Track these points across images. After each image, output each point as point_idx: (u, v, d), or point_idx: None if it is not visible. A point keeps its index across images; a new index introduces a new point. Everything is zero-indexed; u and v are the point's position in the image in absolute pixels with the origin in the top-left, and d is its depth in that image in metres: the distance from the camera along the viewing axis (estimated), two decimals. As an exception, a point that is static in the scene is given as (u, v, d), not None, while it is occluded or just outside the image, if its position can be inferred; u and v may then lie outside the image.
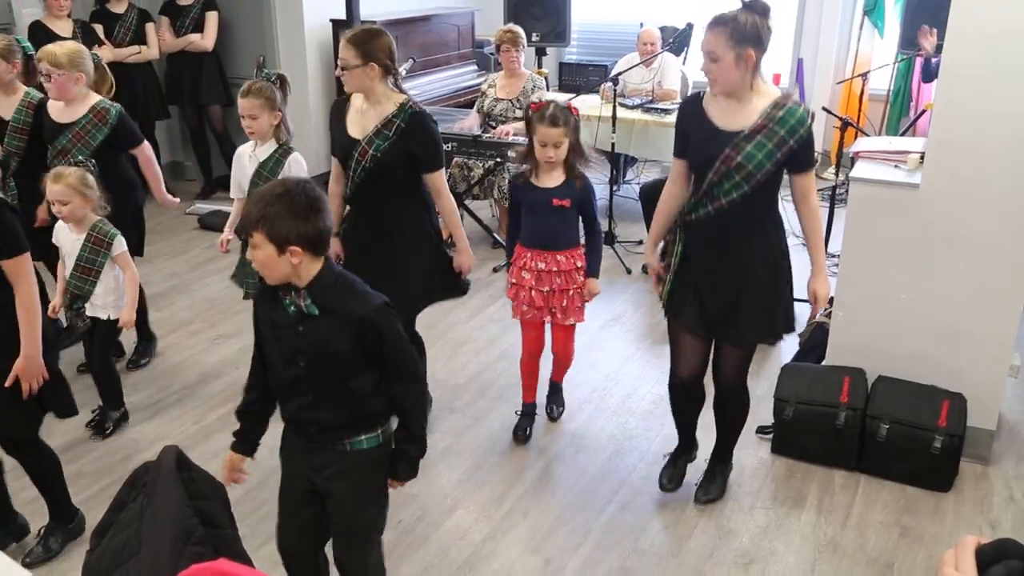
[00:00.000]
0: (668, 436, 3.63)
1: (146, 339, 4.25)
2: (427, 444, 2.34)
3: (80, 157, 3.59)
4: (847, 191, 3.54)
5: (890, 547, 2.99)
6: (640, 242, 5.56)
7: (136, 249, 3.82)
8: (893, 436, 3.28)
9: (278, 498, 2.38)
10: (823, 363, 3.66)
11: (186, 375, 4.08)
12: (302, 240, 2.03)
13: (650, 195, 5.26)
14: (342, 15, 6.11)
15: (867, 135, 4.83)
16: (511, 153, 4.61)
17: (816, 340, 3.88)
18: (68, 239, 3.44)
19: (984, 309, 3.29)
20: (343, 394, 2.16)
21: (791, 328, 3.11)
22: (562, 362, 3.72)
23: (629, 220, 5.99)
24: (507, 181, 5.24)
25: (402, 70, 5.96)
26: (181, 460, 1.97)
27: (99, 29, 5.83)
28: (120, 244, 3.47)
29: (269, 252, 2.04)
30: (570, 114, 3.27)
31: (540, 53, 7.15)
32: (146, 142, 3.92)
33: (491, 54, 7.30)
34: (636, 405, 3.88)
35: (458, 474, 3.37)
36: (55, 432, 3.59)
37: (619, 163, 6.38)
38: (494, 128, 5.34)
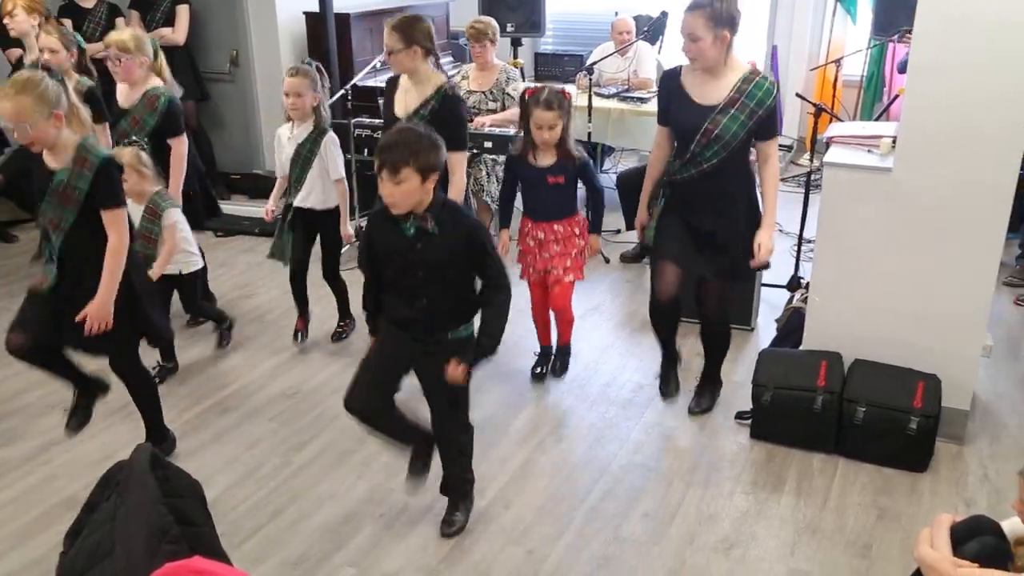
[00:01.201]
0: (648, 424, 3.64)
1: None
2: (498, 345, 2.76)
3: (135, 138, 3.88)
4: (822, 177, 3.56)
5: (868, 528, 3.02)
6: (619, 231, 5.57)
7: (212, 211, 4.41)
8: (870, 418, 3.30)
9: (367, 366, 2.86)
10: (800, 348, 3.68)
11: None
12: (438, 169, 2.57)
13: (628, 184, 5.27)
14: (315, 7, 6.08)
15: (841, 121, 4.85)
16: (510, 147, 4.72)
17: (793, 325, 3.90)
18: (133, 209, 3.67)
19: (957, 291, 3.32)
20: (450, 295, 2.70)
21: (763, 268, 3.54)
22: (562, 319, 3.97)
23: (607, 209, 5.91)
24: (483, 173, 5.24)
25: (376, 62, 5.96)
26: (155, 459, 1.96)
27: (68, 24, 5.74)
28: (169, 216, 3.84)
29: (415, 183, 2.53)
30: (563, 98, 3.56)
31: (515, 44, 7.12)
32: (184, 137, 4.09)
33: (466, 45, 7.27)
34: (616, 394, 3.89)
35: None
36: (29, 433, 3.57)
37: (596, 153, 6.37)
38: (469, 120, 5.31)
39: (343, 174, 4.09)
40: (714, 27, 3.09)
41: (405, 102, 3.75)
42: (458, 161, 3.67)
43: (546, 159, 3.67)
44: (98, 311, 2.95)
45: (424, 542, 2.96)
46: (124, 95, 4.07)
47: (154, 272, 3.75)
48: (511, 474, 3.32)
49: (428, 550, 2.92)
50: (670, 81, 3.35)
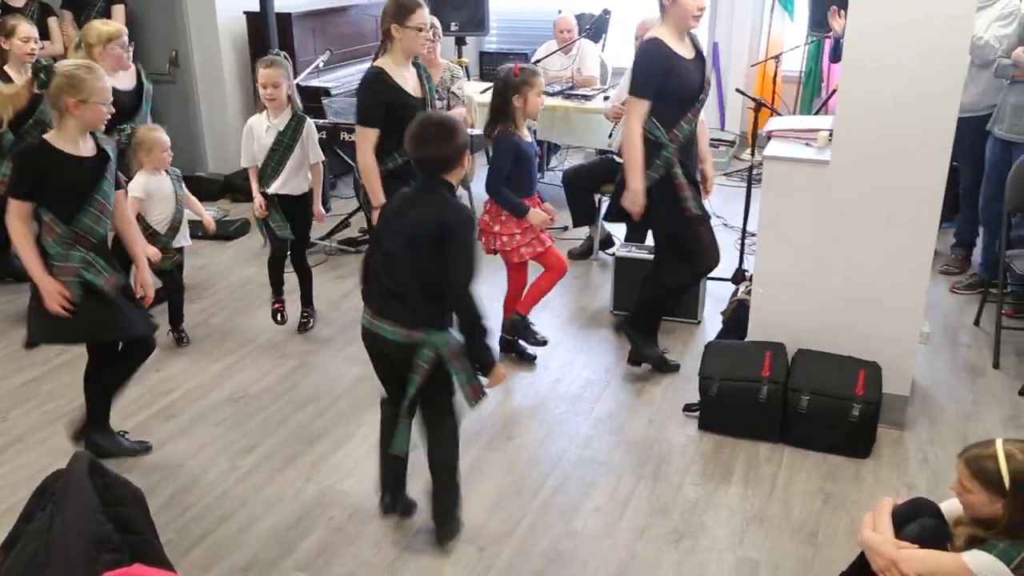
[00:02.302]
0: (597, 419, 3.67)
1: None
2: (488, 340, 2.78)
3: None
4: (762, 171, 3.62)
5: (814, 514, 3.08)
6: (566, 228, 5.59)
7: None
8: (814, 407, 3.36)
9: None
10: (745, 339, 3.73)
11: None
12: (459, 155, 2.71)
13: (574, 181, 5.30)
14: (256, 7, 6.00)
15: (781, 115, 4.93)
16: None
17: (738, 317, 3.95)
18: (154, 182, 4.09)
19: (894, 279, 3.40)
20: (425, 287, 2.64)
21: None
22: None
23: (554, 207, 5.99)
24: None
25: (319, 62, 5.91)
26: (94, 466, 1.92)
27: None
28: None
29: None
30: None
31: (460, 42, 7.12)
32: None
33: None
34: (565, 390, 3.91)
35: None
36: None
37: (543, 150, 6.39)
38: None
39: (322, 157, 4.29)
40: None
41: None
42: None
43: (526, 133, 3.96)
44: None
45: (375, 544, 2.94)
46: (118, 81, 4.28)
47: (207, 221, 4.37)
48: (462, 472, 3.30)
49: (380, 552, 2.90)
50: (657, 49, 3.52)
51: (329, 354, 4.19)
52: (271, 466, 3.36)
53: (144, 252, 3.45)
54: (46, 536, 1.79)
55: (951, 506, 2.34)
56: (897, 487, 3.20)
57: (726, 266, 4.88)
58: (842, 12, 5.75)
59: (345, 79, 6.27)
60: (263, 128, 4.17)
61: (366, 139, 3.76)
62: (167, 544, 2.69)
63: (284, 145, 4.14)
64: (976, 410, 3.70)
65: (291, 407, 3.76)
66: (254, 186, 4.24)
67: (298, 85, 5.38)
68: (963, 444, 3.35)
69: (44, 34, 5.77)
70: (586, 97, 5.77)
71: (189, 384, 3.95)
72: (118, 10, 5.98)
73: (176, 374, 4.04)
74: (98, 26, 4.34)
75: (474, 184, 5.32)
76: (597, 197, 5.22)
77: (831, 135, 3.44)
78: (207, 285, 4.91)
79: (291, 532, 2.99)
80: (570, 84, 6.03)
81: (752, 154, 5.04)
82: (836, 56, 6.10)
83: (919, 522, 2.31)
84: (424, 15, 3.79)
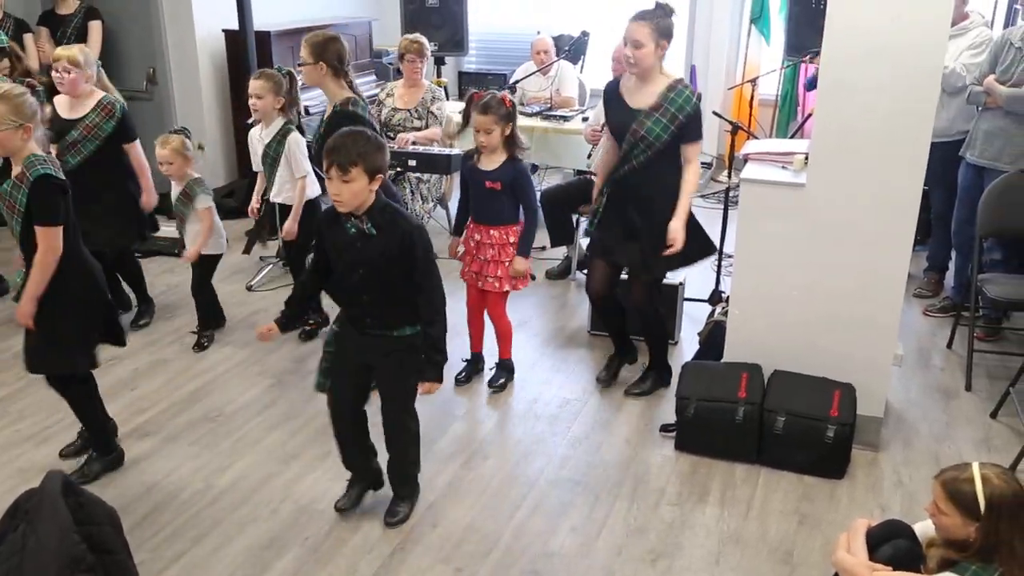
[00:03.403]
0: (575, 439, 3.67)
1: (145, 302, 4.75)
2: (447, 352, 2.92)
3: (91, 148, 4.12)
4: (739, 193, 3.66)
5: (790, 535, 3.09)
6: (544, 248, 5.60)
7: (153, 226, 4.59)
8: (789, 428, 3.39)
9: (333, 372, 3.01)
10: (722, 360, 3.75)
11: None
12: (383, 171, 2.69)
13: (553, 202, 5.32)
14: (235, 25, 5.99)
15: (757, 138, 4.99)
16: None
17: (715, 338, 3.97)
18: (173, 191, 4.28)
19: (869, 302, 3.44)
20: (390, 295, 2.79)
21: (687, 263, 3.85)
22: (500, 333, 4.07)
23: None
24: (407, 191, 5.23)
25: (300, 79, 5.90)
26: (68, 486, 1.89)
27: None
28: (202, 201, 4.23)
29: (363, 183, 2.64)
30: (502, 104, 3.65)
31: (439, 63, 7.15)
32: (138, 141, 4.33)
33: (390, 64, 7.26)
34: (543, 410, 3.91)
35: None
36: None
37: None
38: (392, 139, 5.29)
39: (307, 171, 4.31)
40: (656, 37, 3.48)
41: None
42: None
43: (490, 163, 3.75)
44: (20, 311, 3.05)
45: (351, 564, 2.92)
46: (66, 107, 4.18)
47: (189, 255, 4.26)
48: (438, 492, 3.30)
49: (355, 571, 2.88)
50: (611, 88, 3.75)
51: (305, 373, 4.17)
52: (246, 485, 3.32)
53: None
54: (19, 556, 1.76)
55: (925, 528, 2.36)
56: (871, 508, 3.22)
57: (703, 287, 4.92)
58: (815, 59, 5.82)
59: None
60: (256, 139, 4.38)
61: None
62: (140, 564, 2.66)
63: (270, 157, 4.30)
64: (949, 432, 3.74)
65: (267, 426, 3.73)
66: (256, 191, 4.51)
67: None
68: (937, 466, 3.41)
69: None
70: (564, 118, 5.81)
71: (164, 403, 3.91)
72: (95, 27, 5.95)
73: (151, 392, 3.99)
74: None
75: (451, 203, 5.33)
76: (575, 217, 5.24)
77: (807, 158, 3.48)
78: (183, 303, 4.86)
79: (266, 552, 2.96)
80: (548, 105, 6.07)
81: (729, 176, 5.09)
82: (812, 85, 6.20)
83: (893, 544, 2.33)
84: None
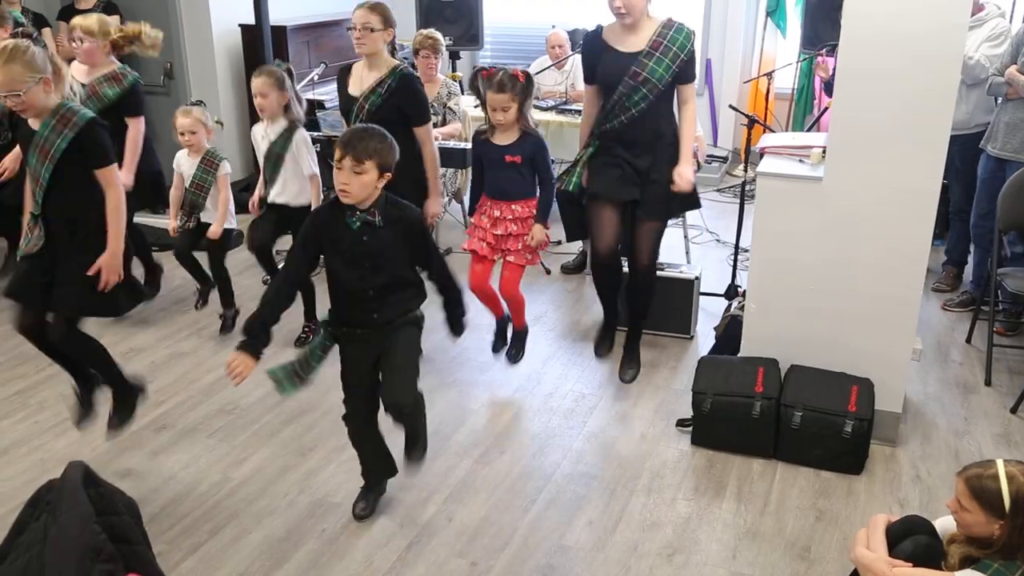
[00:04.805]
0: (590, 433, 3.66)
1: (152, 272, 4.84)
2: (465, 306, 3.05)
3: (92, 109, 4.00)
4: (756, 187, 3.64)
5: (807, 530, 3.07)
6: (560, 242, 5.59)
7: (161, 199, 4.58)
8: (806, 423, 3.37)
9: (344, 379, 2.96)
10: (738, 355, 3.74)
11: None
12: (391, 170, 2.72)
13: (568, 196, 5.29)
14: (251, 19, 6.01)
15: (773, 132, 4.96)
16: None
17: (731, 333, 3.96)
18: (187, 163, 4.35)
19: (887, 295, 3.42)
20: (395, 284, 2.81)
21: (695, 205, 3.90)
22: (512, 305, 4.03)
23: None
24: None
25: (314, 75, 5.92)
26: (88, 476, 1.90)
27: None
28: (225, 167, 4.35)
29: (373, 176, 2.67)
30: (516, 80, 3.63)
31: (454, 57, 7.13)
32: (142, 119, 4.32)
33: (404, 59, 7.25)
34: (558, 404, 3.90)
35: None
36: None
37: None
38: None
39: (315, 170, 4.24)
40: None
41: (360, 84, 3.87)
42: (426, 132, 3.88)
43: (505, 138, 3.76)
44: (109, 263, 3.04)
45: (367, 556, 2.93)
46: (82, 73, 4.24)
47: (211, 232, 4.30)
48: (454, 486, 3.31)
49: (371, 564, 2.89)
50: (593, 39, 3.69)
51: (322, 366, 4.17)
52: (263, 478, 3.34)
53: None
54: (41, 545, 1.78)
55: (945, 524, 2.34)
56: (890, 504, 3.20)
57: (719, 281, 4.90)
58: (827, 60, 5.78)
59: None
60: (260, 136, 4.25)
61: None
62: (158, 556, 2.67)
63: (275, 155, 4.16)
64: (968, 427, 3.71)
65: (283, 419, 3.75)
66: (258, 188, 4.34)
67: (292, 97, 5.41)
68: (956, 461, 3.39)
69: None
70: (579, 112, 5.78)
71: (181, 395, 3.93)
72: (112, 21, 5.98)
73: (168, 385, 4.02)
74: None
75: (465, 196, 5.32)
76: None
77: (824, 152, 3.46)
78: (195, 297, 4.88)
79: (283, 544, 2.97)
80: (563, 99, 6.05)
81: (745, 170, 5.06)
82: (829, 90, 6.15)
83: (913, 539, 2.31)
84: (356, 14, 3.85)
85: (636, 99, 3.54)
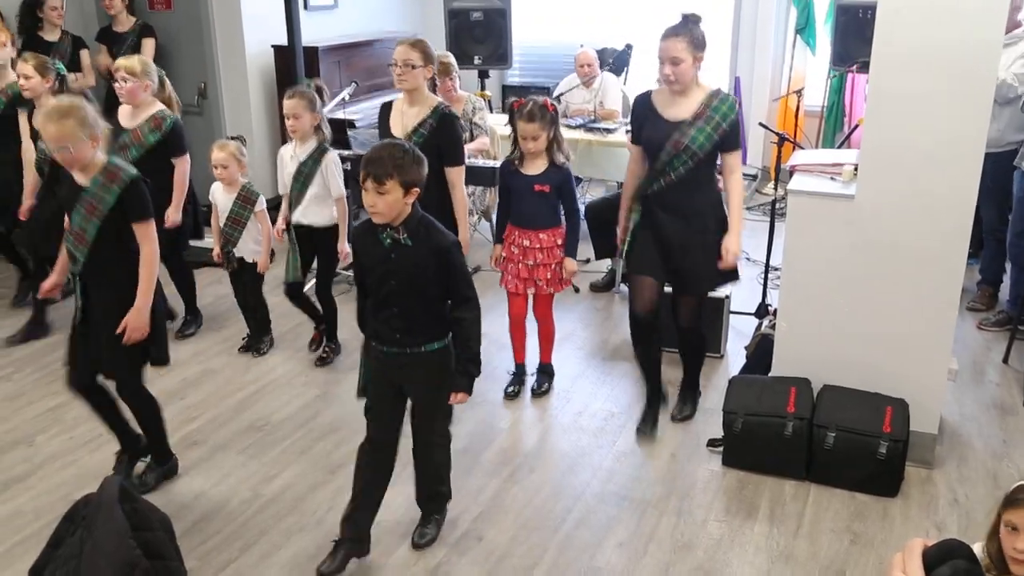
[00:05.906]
0: (620, 452, 3.64)
1: (193, 312, 4.85)
2: (481, 364, 2.87)
3: (134, 154, 4.22)
4: (786, 205, 3.61)
5: (841, 554, 3.03)
6: (588, 260, 5.59)
7: (196, 232, 4.72)
8: (840, 444, 3.33)
9: (369, 399, 2.95)
10: (770, 374, 3.70)
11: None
12: (419, 184, 2.69)
13: (597, 214, 5.31)
14: (283, 41, 6.08)
15: (804, 149, 4.93)
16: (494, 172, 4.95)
17: (762, 352, 3.93)
18: (223, 197, 4.36)
19: (921, 315, 3.37)
20: (420, 307, 2.79)
21: (734, 277, 3.73)
22: (545, 335, 4.13)
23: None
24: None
25: (345, 94, 5.97)
26: (124, 492, 1.92)
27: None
28: (261, 202, 4.37)
29: (398, 195, 2.65)
30: (546, 110, 3.73)
31: (483, 76, 7.17)
32: (187, 157, 4.46)
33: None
34: (588, 423, 3.89)
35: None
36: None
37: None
38: None
39: (343, 192, 4.29)
40: (693, 50, 3.42)
41: (402, 122, 3.89)
42: (457, 175, 3.85)
43: (534, 168, 3.81)
44: (136, 319, 3.07)
45: (397, 574, 2.92)
46: (127, 116, 4.37)
47: (260, 265, 4.38)
48: (484, 505, 3.30)
49: (401, 583, 2.89)
50: (643, 102, 3.66)
51: (351, 384, 4.18)
52: (293, 495, 3.35)
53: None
54: (76, 562, 1.79)
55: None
56: (927, 527, 3.15)
57: (749, 300, 4.87)
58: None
59: (370, 111, 6.31)
60: (288, 157, 4.27)
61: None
62: (190, 572, 2.70)
63: (304, 175, 4.19)
64: (1007, 450, 3.64)
65: (312, 436, 3.76)
66: (282, 212, 4.32)
67: (325, 117, 5.47)
68: (994, 484, 3.33)
69: (77, 66, 5.89)
70: (608, 130, 5.80)
71: (212, 412, 3.96)
72: (148, 44, 6.10)
73: (199, 402, 4.05)
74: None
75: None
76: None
77: (856, 169, 3.43)
78: (230, 313, 4.93)
79: (312, 562, 2.97)
80: (592, 117, 6.07)
81: (775, 188, 5.03)
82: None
83: (951, 564, 2.26)
84: (397, 51, 3.82)
85: (676, 165, 3.49)
